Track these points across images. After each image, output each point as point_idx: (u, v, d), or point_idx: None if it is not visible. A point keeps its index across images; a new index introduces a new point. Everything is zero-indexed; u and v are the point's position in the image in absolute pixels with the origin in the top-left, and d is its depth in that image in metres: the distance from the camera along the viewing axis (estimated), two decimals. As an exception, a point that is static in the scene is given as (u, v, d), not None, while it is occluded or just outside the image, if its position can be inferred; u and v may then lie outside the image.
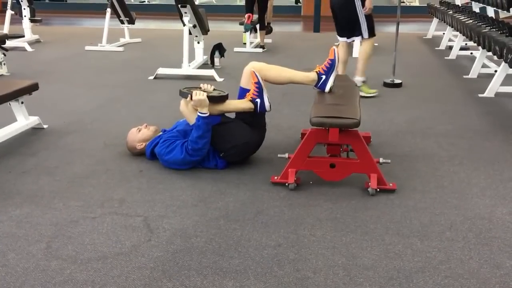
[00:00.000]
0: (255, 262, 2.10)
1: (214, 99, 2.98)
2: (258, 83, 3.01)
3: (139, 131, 3.20)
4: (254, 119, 3.09)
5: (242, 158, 3.11)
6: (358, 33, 4.61)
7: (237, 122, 3.11)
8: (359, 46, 4.82)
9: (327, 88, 3.08)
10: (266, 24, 7.53)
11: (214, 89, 3.08)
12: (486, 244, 2.24)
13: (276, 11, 8.94)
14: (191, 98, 2.90)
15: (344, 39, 4.80)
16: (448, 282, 1.97)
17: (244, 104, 3.06)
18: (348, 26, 4.63)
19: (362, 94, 4.57)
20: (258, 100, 3.02)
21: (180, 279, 1.99)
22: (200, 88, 3.04)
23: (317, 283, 1.97)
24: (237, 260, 2.12)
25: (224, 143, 3.00)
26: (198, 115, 2.91)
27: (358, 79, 4.69)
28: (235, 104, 3.10)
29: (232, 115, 3.19)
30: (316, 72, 3.09)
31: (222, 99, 3.04)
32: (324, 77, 3.07)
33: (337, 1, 4.61)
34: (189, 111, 3.00)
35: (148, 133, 3.19)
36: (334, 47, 3.14)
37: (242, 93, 3.12)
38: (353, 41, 4.79)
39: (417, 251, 2.18)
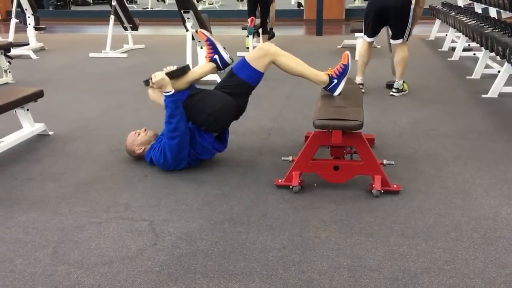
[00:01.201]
0: (260, 265, 2.11)
1: (174, 73, 2.93)
2: (208, 40, 2.99)
3: (138, 135, 3.22)
4: (234, 89, 3.03)
5: (225, 124, 3.09)
6: (401, 36, 4.69)
7: (208, 91, 3.07)
8: (396, 52, 4.82)
9: (337, 92, 3.07)
10: (268, 29, 7.55)
11: (177, 67, 3.02)
12: (491, 244, 2.24)
13: (279, 15, 8.95)
14: (153, 82, 2.90)
15: (374, 39, 4.88)
16: (453, 282, 1.97)
17: (206, 67, 3.04)
18: (398, 27, 4.68)
19: (401, 93, 4.85)
20: (216, 56, 3.00)
21: (186, 283, 2.01)
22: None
23: (322, 285, 1.97)
24: (242, 263, 2.13)
25: (200, 115, 2.98)
26: (164, 95, 2.90)
27: (400, 82, 4.84)
28: (198, 71, 3.06)
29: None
30: (328, 74, 3.08)
31: (182, 71, 2.96)
32: (336, 81, 3.06)
33: (393, 4, 4.58)
34: (158, 96, 2.99)
35: (147, 137, 3.20)
36: (347, 52, 3.11)
37: (249, 72, 3.01)
38: (399, 43, 4.78)
39: (422, 251, 2.18)
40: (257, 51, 3.05)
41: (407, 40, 4.72)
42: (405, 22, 4.63)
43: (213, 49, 2.99)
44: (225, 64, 3.03)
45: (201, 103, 2.99)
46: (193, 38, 5.73)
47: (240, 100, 3.08)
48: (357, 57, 6.73)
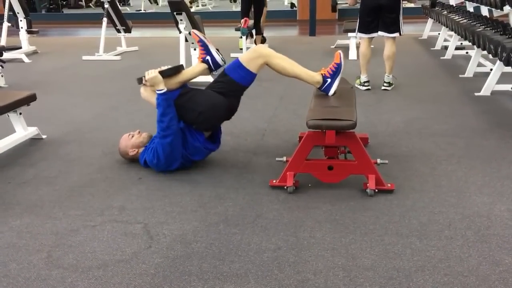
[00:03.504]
0: (256, 266, 2.11)
1: (166, 72, 2.96)
2: (200, 41, 3.01)
3: (132, 137, 3.21)
4: (226, 89, 3.03)
5: (215, 123, 3.08)
6: (397, 29, 4.91)
7: (199, 90, 3.08)
8: (387, 47, 5.02)
9: (331, 92, 3.08)
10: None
11: (170, 67, 3.03)
12: (485, 241, 2.25)
13: (272, 16, 8.98)
14: (146, 79, 2.91)
15: (374, 35, 5.02)
16: (448, 280, 1.98)
17: (198, 67, 3.05)
18: (392, 22, 4.88)
19: (392, 87, 5.10)
20: (208, 58, 3.00)
21: (181, 285, 2.00)
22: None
23: (318, 285, 1.98)
24: (238, 264, 2.13)
25: (190, 113, 2.98)
26: (156, 93, 2.91)
27: (390, 76, 5.07)
28: (190, 71, 3.08)
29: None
30: (322, 74, 3.09)
31: (175, 70, 2.99)
32: (329, 80, 3.07)
33: (386, 1, 4.82)
34: (150, 95, 3.01)
35: (140, 139, 3.20)
36: (339, 51, 3.13)
37: (242, 73, 3.00)
38: (395, 36, 4.97)
39: (416, 250, 2.19)
40: (251, 53, 3.06)
41: (400, 34, 4.94)
42: (398, 16, 4.87)
43: (205, 50, 3.01)
44: (217, 65, 3.04)
45: (192, 102, 2.99)
46: (186, 40, 5.73)
47: (231, 100, 3.08)
48: (352, 57, 6.76)
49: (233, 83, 3.03)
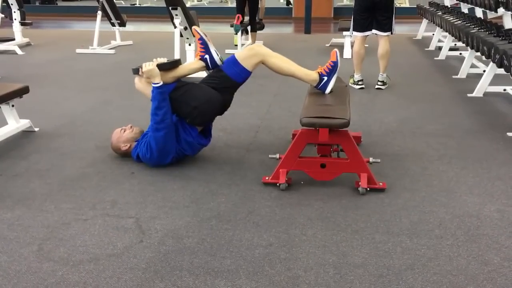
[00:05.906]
0: (247, 262, 2.12)
1: (164, 66, 2.96)
2: (201, 38, 3.01)
3: (124, 131, 3.20)
4: (221, 84, 3.04)
5: (209, 118, 3.09)
6: (390, 28, 4.99)
7: (194, 84, 3.08)
8: (380, 45, 5.09)
9: (328, 90, 3.10)
10: (258, 20, 7.56)
11: (167, 60, 3.04)
12: (474, 241, 2.27)
13: (267, 13, 8.95)
14: (142, 71, 2.91)
15: (368, 33, 5.06)
16: (437, 279, 2.00)
17: (195, 64, 3.06)
18: (386, 21, 4.97)
19: (385, 87, 5.10)
20: (207, 56, 3.01)
21: (172, 279, 2.01)
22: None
23: (308, 282, 1.99)
24: (229, 260, 2.14)
25: (185, 107, 2.98)
26: (152, 86, 2.91)
27: (384, 75, 5.11)
28: (187, 67, 3.08)
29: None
30: (318, 72, 3.10)
31: (173, 64, 3.00)
32: (326, 78, 3.09)
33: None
34: (144, 86, 3.01)
35: (133, 134, 3.18)
36: (336, 49, 3.15)
37: (237, 69, 3.03)
38: (388, 35, 5.05)
39: (407, 249, 2.21)
40: (247, 51, 3.08)
41: (392, 33, 5.02)
42: (391, 15, 4.96)
43: (205, 48, 3.01)
44: (214, 65, 3.04)
45: (187, 96, 2.99)
46: (181, 35, 5.71)
47: (225, 96, 3.09)
48: (346, 55, 6.77)
49: (227, 79, 3.04)
